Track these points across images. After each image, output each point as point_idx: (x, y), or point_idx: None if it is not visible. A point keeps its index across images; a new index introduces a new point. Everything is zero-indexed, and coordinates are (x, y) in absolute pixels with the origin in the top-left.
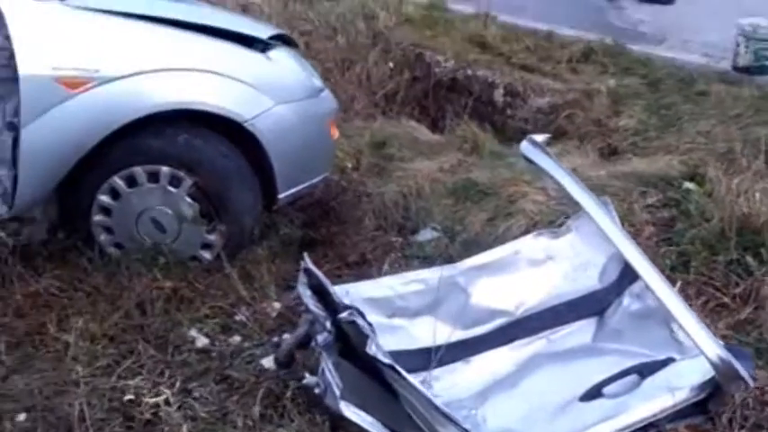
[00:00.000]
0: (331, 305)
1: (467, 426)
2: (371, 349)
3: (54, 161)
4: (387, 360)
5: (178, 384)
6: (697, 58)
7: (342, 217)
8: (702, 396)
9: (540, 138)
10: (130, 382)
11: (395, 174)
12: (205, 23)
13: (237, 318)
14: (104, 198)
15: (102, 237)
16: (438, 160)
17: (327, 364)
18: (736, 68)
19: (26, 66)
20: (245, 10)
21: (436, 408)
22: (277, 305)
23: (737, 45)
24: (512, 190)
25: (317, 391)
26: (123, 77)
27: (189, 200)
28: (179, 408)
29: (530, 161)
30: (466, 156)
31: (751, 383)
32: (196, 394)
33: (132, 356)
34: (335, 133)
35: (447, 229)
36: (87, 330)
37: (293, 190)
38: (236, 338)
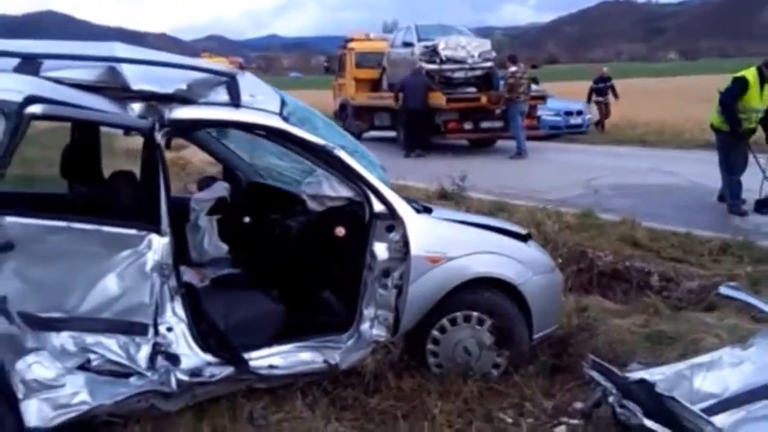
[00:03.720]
0: (618, 379)
1: None
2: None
3: (421, 306)
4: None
5: None
6: None
7: (575, 351)
8: None
9: (732, 284)
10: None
11: (601, 326)
12: (492, 224)
13: (527, 405)
14: (436, 333)
15: (431, 359)
16: (629, 319)
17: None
18: None
19: (414, 249)
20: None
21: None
22: (548, 402)
23: None
24: (693, 336)
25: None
26: (458, 257)
27: (488, 334)
28: None
29: (730, 297)
30: (649, 317)
31: None
32: None
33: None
34: (563, 297)
35: (650, 363)
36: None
37: (543, 333)
38: (529, 421)
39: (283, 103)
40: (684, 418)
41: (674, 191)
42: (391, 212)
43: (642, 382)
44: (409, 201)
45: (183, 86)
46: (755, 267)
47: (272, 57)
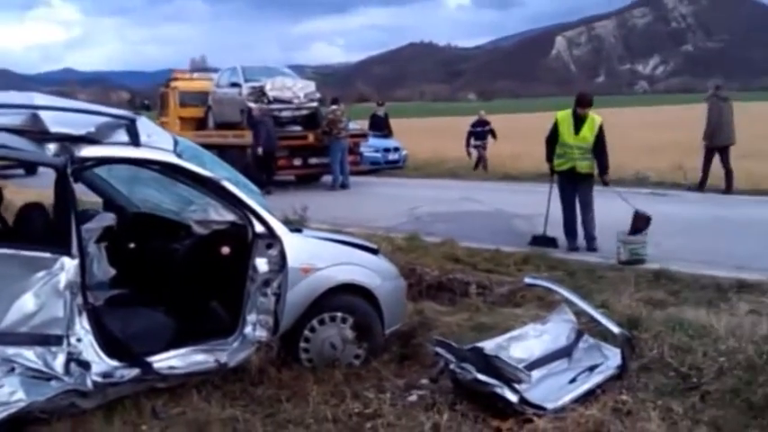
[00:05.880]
0: (456, 350)
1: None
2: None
3: (296, 310)
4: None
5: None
6: (596, 257)
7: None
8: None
9: (533, 275)
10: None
11: (435, 323)
12: (349, 241)
13: (385, 384)
14: (307, 332)
15: (303, 355)
16: (457, 317)
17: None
18: (620, 262)
19: (290, 262)
20: None
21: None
22: (401, 381)
23: (618, 247)
24: (506, 325)
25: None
26: (324, 268)
27: (350, 330)
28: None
29: (535, 285)
30: (472, 314)
31: None
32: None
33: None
34: (406, 300)
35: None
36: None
37: (392, 328)
38: (388, 395)
39: (176, 143)
40: (506, 371)
41: (482, 216)
42: (270, 232)
43: (474, 348)
44: (284, 223)
45: (92, 129)
46: (550, 273)
47: (67, 91)
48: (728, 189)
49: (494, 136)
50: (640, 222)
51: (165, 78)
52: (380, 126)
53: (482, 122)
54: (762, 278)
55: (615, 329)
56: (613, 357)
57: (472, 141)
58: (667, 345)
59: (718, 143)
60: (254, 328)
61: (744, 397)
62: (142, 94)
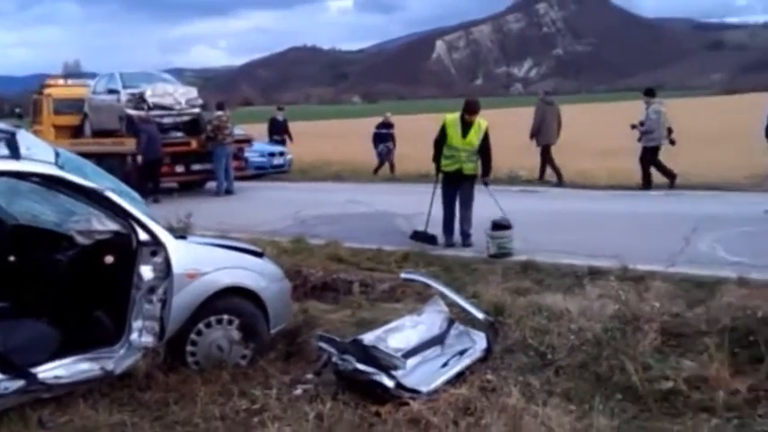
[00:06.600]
0: (338, 344)
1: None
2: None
3: (182, 315)
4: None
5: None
6: (470, 252)
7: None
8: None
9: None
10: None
11: (320, 320)
12: (234, 245)
13: (272, 381)
14: (194, 336)
15: (190, 358)
16: (340, 314)
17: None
18: (490, 256)
19: (175, 268)
20: None
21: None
22: (287, 377)
23: (487, 242)
24: (386, 319)
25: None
26: (209, 272)
27: (237, 332)
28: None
29: (411, 280)
30: (354, 310)
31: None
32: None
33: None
34: (291, 300)
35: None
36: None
37: (278, 328)
38: (274, 391)
39: (57, 154)
40: (383, 360)
41: (365, 217)
42: (155, 240)
43: (354, 341)
44: (169, 230)
45: None
46: (428, 268)
47: None
48: (539, 177)
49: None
50: (502, 227)
51: (36, 83)
52: (280, 130)
53: (387, 124)
54: (610, 265)
55: (481, 316)
56: (480, 341)
57: (378, 144)
58: (528, 328)
59: (542, 142)
60: (141, 334)
61: (591, 369)
62: (12, 101)
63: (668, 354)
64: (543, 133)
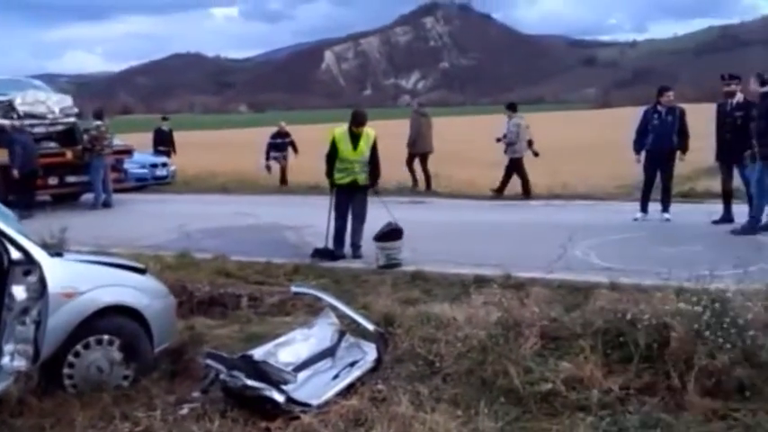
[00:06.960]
0: (226, 360)
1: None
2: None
3: (58, 336)
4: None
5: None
6: (360, 263)
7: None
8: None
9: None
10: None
11: (207, 337)
12: (114, 262)
13: (156, 401)
14: (71, 358)
15: (67, 381)
16: (228, 329)
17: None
18: (379, 267)
19: (50, 288)
20: None
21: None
22: (171, 397)
23: (376, 253)
24: (276, 332)
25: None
26: (88, 291)
27: (118, 352)
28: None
29: (301, 293)
30: (243, 325)
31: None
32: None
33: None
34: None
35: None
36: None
37: (162, 346)
38: (158, 412)
39: None
40: (273, 374)
41: (254, 230)
42: (28, 258)
43: (243, 356)
44: (43, 246)
45: None
46: (318, 281)
47: None
48: (426, 187)
49: (294, 149)
50: (394, 234)
51: None
52: (165, 141)
53: (282, 134)
54: (494, 273)
55: (371, 327)
56: (371, 352)
57: (272, 154)
58: (417, 337)
59: (418, 150)
60: (12, 358)
61: (477, 375)
62: None
63: (547, 356)
64: (420, 142)
